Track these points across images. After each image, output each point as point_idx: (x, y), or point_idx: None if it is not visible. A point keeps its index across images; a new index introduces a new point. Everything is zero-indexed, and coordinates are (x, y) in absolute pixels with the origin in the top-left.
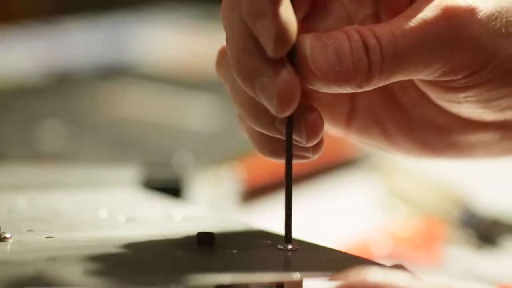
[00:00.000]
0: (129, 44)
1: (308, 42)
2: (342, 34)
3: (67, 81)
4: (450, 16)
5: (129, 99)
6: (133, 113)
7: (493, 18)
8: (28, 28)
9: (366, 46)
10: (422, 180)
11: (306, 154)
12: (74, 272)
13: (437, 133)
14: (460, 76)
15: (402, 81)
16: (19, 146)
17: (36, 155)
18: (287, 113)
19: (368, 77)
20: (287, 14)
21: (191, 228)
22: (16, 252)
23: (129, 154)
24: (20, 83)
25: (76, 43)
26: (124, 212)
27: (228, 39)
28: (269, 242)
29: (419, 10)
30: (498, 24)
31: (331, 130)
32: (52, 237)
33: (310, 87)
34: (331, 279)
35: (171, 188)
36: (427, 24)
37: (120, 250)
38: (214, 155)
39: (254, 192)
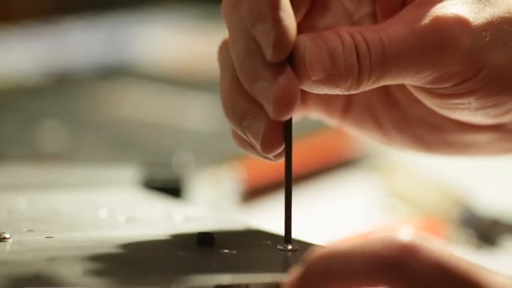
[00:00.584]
0: (129, 44)
1: (305, 44)
2: (335, 37)
3: (67, 81)
4: (439, 27)
5: (129, 99)
6: (133, 113)
7: (484, 29)
8: (28, 28)
9: (357, 51)
10: (422, 180)
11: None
12: (74, 272)
13: (431, 131)
14: (448, 85)
15: None
16: (19, 146)
17: (36, 155)
18: (284, 117)
19: (358, 81)
20: (287, 18)
21: (191, 228)
22: (16, 252)
23: (129, 154)
24: (20, 83)
25: (76, 43)
26: (124, 212)
27: (231, 40)
28: (269, 242)
29: (409, 18)
30: (488, 36)
31: (327, 120)
32: (52, 237)
33: (301, 87)
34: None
35: (171, 188)
36: (416, 35)
37: (120, 250)
38: (214, 155)
39: (254, 192)
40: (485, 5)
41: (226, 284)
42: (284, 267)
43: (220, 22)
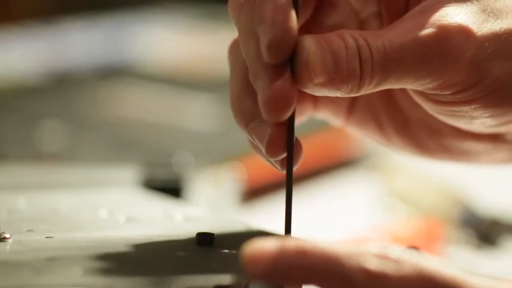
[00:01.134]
0: (129, 44)
1: (310, 46)
2: (339, 40)
3: (67, 81)
4: (442, 35)
5: (129, 99)
6: (133, 113)
7: (487, 40)
8: (28, 28)
9: (360, 56)
10: (422, 180)
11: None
12: (74, 272)
13: (430, 135)
14: (447, 93)
15: None
16: (19, 146)
17: (36, 155)
18: (275, 120)
19: (359, 85)
20: (286, 21)
21: (191, 228)
22: (16, 252)
23: (129, 154)
24: (20, 83)
25: (76, 43)
26: (124, 212)
27: (241, 41)
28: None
29: (412, 24)
30: (491, 48)
31: (332, 120)
32: (52, 237)
33: (303, 89)
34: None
35: (171, 188)
36: (418, 42)
37: (120, 250)
38: (214, 155)
39: (254, 192)
40: (489, 15)
41: (226, 284)
42: None
43: (220, 22)
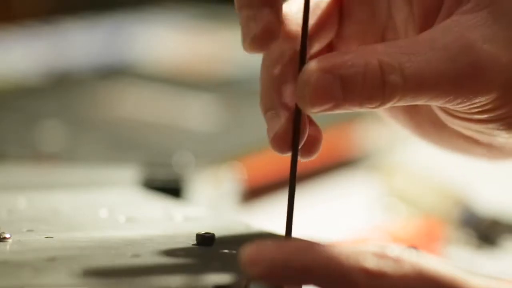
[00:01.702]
0: (129, 44)
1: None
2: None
3: (67, 81)
4: (475, 61)
5: (129, 99)
6: (133, 113)
7: None
8: (28, 28)
9: (385, 77)
10: (422, 180)
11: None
12: (74, 272)
13: (435, 125)
14: (475, 111)
15: None
16: (19, 146)
17: (36, 155)
18: (253, 50)
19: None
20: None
21: (191, 228)
22: (16, 252)
23: (129, 154)
24: (20, 83)
25: (76, 43)
26: (124, 212)
27: None
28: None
29: (442, 44)
30: None
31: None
32: (52, 237)
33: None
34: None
35: (171, 188)
36: (454, 68)
37: (120, 250)
38: (214, 155)
39: (254, 192)
40: None
41: (226, 284)
42: None
43: (220, 22)
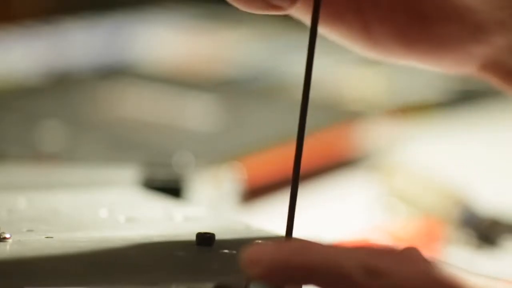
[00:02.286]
0: (129, 44)
1: None
2: None
3: (67, 81)
4: None
5: (129, 99)
6: (133, 113)
7: None
8: (28, 28)
9: None
10: (422, 180)
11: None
12: (74, 272)
13: (415, 20)
14: None
15: None
16: (19, 146)
17: (36, 155)
18: None
19: None
20: None
21: (191, 228)
22: (16, 252)
23: (129, 154)
24: (20, 83)
25: (76, 43)
26: (124, 212)
27: None
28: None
29: None
30: None
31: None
32: (52, 237)
33: None
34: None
35: (171, 188)
36: None
37: (120, 250)
38: (214, 155)
39: (254, 192)
40: None
41: (226, 284)
42: None
43: (220, 22)
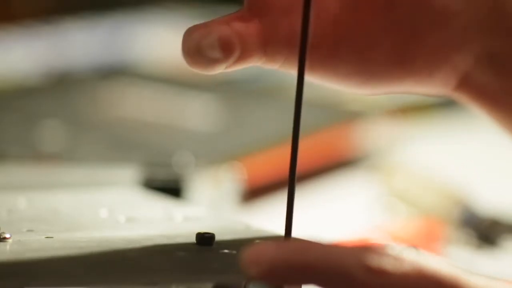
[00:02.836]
0: (129, 44)
1: None
2: None
3: (67, 81)
4: None
5: (129, 99)
6: (133, 113)
7: None
8: (28, 28)
9: None
10: (422, 180)
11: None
12: (74, 272)
13: (406, 36)
14: None
15: None
16: (19, 146)
17: (36, 155)
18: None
19: None
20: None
21: (191, 228)
22: (16, 252)
23: (129, 154)
24: (20, 83)
25: (76, 43)
26: (124, 212)
27: None
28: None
29: None
30: None
31: (288, 70)
32: (52, 237)
33: None
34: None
35: (171, 188)
36: None
37: (120, 250)
38: (214, 155)
39: (254, 192)
40: None
41: (226, 284)
42: None
43: None
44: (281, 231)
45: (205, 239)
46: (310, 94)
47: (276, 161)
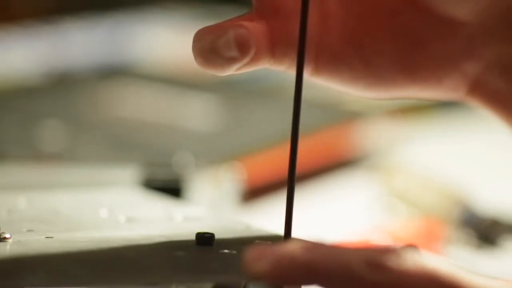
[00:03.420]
0: (129, 44)
1: None
2: None
3: (67, 81)
4: None
5: (129, 99)
6: (133, 113)
7: None
8: (28, 28)
9: None
10: (422, 180)
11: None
12: (74, 272)
13: (412, 45)
14: None
15: None
16: (19, 146)
17: (36, 155)
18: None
19: None
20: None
21: (191, 228)
22: (16, 252)
23: (129, 154)
24: (20, 83)
25: (76, 43)
26: (124, 212)
27: None
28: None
29: None
30: None
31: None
32: (52, 237)
33: None
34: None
35: (171, 188)
36: None
37: (120, 250)
38: (214, 155)
39: (254, 192)
40: None
41: (226, 284)
42: None
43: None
44: (281, 231)
45: (205, 239)
46: (310, 94)
47: (276, 161)
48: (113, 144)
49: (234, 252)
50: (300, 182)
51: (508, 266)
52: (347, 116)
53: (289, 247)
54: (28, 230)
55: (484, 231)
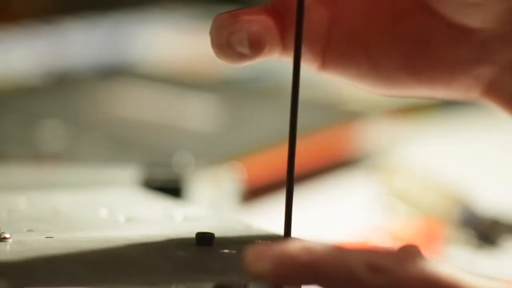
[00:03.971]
0: (129, 44)
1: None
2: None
3: (67, 81)
4: None
5: (129, 99)
6: (133, 113)
7: None
8: (28, 28)
9: None
10: (422, 180)
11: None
12: (74, 272)
13: (421, 48)
14: None
15: None
16: (19, 146)
17: (36, 155)
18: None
19: None
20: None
21: (190, 228)
22: (16, 252)
23: (129, 154)
24: (20, 83)
25: (76, 43)
26: (124, 212)
27: None
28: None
29: None
30: None
31: (307, 65)
32: (52, 237)
33: None
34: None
35: (171, 188)
36: None
37: (120, 250)
38: (214, 155)
39: (254, 192)
40: None
41: (226, 284)
42: None
43: None
44: (281, 231)
45: (205, 239)
46: (310, 94)
47: (276, 161)
48: (113, 144)
49: (234, 252)
50: (300, 182)
51: (508, 266)
52: (347, 116)
53: (289, 247)
54: (28, 230)
55: (484, 231)
